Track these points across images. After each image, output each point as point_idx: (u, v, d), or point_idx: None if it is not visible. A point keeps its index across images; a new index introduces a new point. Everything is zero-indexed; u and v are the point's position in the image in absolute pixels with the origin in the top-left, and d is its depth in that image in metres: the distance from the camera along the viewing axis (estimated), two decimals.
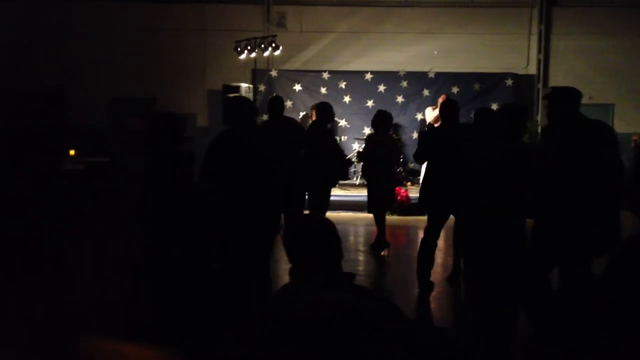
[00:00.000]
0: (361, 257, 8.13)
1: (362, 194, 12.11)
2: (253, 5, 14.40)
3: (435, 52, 14.19)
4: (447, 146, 5.96)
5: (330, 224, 2.50)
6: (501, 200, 4.60)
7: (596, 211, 4.34)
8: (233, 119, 5.39)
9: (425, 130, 11.54)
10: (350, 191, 12.46)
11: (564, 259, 4.49)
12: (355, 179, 13.11)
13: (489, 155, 4.78)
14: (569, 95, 4.59)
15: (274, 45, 12.71)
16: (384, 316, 2.06)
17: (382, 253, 8.01)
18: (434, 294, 6.33)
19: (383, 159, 7.88)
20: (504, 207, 4.60)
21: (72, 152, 10.44)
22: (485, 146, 4.98)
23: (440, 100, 12.05)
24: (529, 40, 14.39)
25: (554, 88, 4.83)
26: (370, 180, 8.13)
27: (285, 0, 14.40)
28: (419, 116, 13.74)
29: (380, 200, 8.03)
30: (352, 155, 13.32)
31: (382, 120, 7.90)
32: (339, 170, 7.76)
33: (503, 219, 4.61)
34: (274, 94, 10.23)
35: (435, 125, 11.31)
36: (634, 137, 11.34)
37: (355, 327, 1.67)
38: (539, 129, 13.38)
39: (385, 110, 8.15)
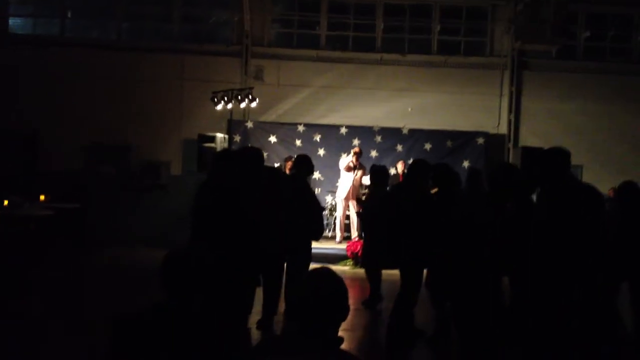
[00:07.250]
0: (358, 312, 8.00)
1: (333, 246, 12.11)
2: (231, 58, 14.62)
3: (409, 109, 14.47)
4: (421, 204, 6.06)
5: (341, 280, 2.35)
6: (475, 256, 4.64)
7: (578, 275, 4.25)
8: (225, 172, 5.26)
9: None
10: (322, 244, 12.42)
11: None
12: (327, 231, 13.09)
13: (473, 215, 4.82)
14: (550, 156, 4.52)
15: (250, 97, 12.84)
16: None
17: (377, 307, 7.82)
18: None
19: (382, 214, 7.81)
20: (478, 263, 4.64)
21: (42, 197, 10.28)
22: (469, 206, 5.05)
23: (356, 150, 12.19)
24: (500, 101, 14.78)
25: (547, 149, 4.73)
26: (368, 234, 8.06)
27: (263, 54, 14.65)
28: (392, 171, 13.89)
29: (376, 256, 7.74)
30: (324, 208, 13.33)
31: (381, 176, 7.98)
32: (318, 226, 7.46)
33: (477, 274, 4.66)
34: (250, 145, 10.24)
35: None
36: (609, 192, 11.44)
37: None
38: None
39: (383, 165, 8.15)
